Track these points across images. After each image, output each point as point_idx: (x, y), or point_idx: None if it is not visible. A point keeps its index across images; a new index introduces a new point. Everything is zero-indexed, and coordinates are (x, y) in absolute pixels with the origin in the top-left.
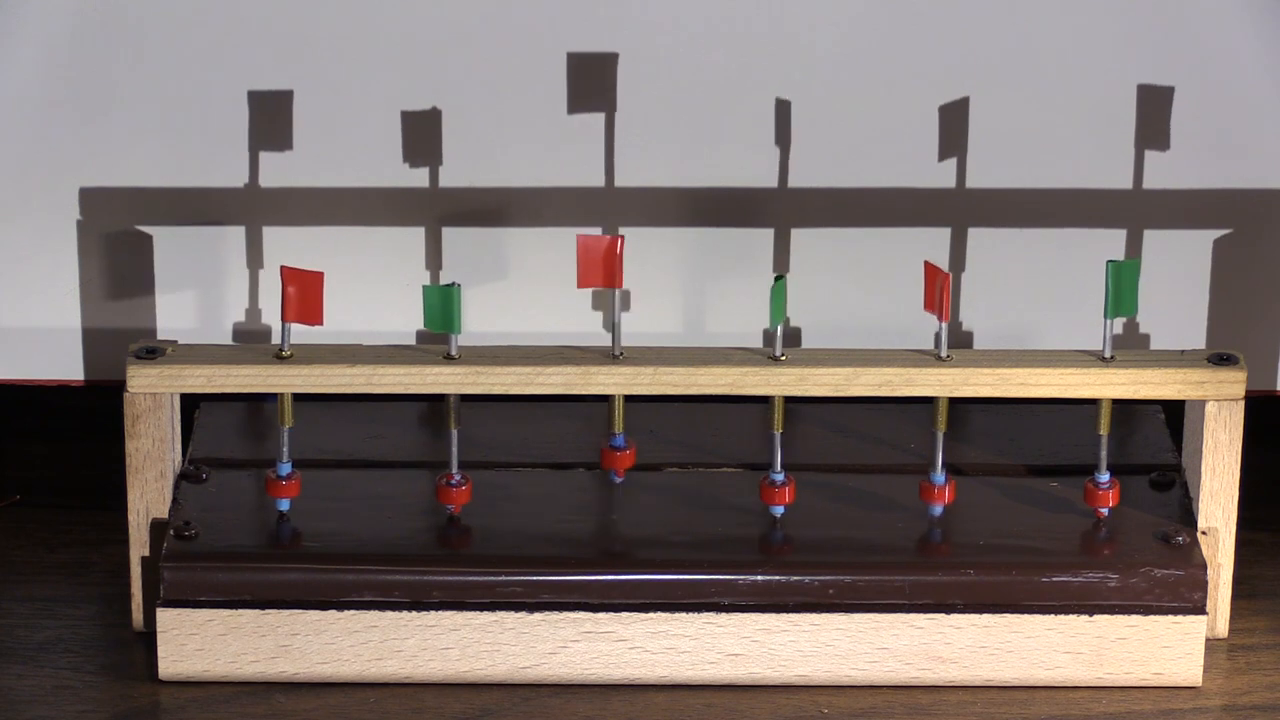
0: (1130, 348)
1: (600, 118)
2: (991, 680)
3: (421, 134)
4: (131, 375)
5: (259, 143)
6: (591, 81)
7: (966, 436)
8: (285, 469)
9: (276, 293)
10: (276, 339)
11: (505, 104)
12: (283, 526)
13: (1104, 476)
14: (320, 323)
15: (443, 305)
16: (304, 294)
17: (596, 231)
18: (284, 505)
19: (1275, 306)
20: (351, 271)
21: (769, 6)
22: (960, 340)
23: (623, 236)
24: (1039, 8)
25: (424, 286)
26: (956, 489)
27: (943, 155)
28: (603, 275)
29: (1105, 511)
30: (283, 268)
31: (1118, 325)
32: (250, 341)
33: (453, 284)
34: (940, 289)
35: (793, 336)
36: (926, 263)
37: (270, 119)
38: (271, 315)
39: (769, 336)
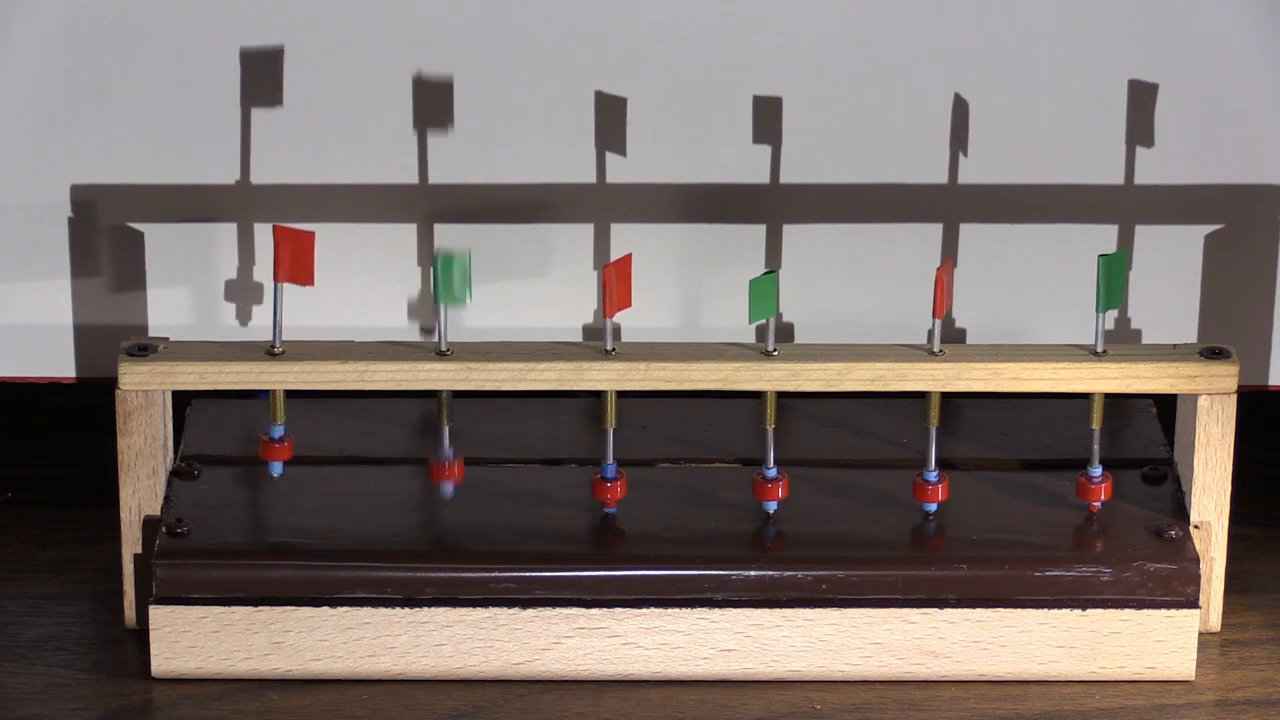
0: (1122, 342)
1: (592, 114)
2: (985, 675)
3: (413, 130)
4: (123, 372)
5: (251, 139)
6: (583, 78)
7: (959, 431)
8: (278, 431)
9: (269, 289)
10: (268, 335)
11: (497, 100)
12: (275, 523)
13: (1096, 470)
14: (311, 283)
15: (452, 274)
16: (296, 254)
17: (588, 228)
18: (277, 469)
19: (1267, 301)
20: (343, 268)
21: (761, 2)
22: (953, 335)
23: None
24: (1032, 3)
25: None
26: (949, 485)
27: (935, 151)
28: (623, 296)
29: (1098, 505)
30: (276, 227)
31: (1109, 320)
32: (242, 338)
33: (455, 255)
34: (937, 283)
35: (786, 331)
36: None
37: (262, 116)
38: (263, 312)
39: (761, 331)
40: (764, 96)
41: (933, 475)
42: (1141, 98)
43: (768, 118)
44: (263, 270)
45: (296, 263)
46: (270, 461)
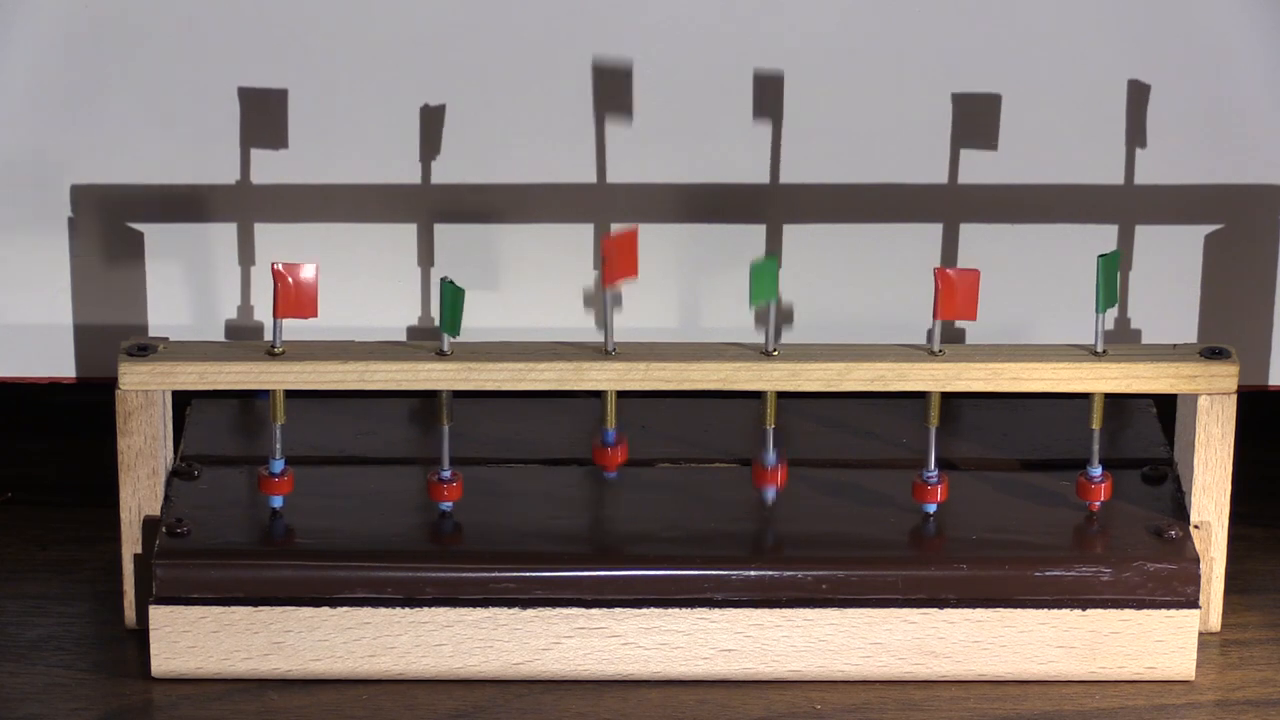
0: (1122, 342)
1: (592, 113)
2: (985, 675)
3: (414, 130)
4: (123, 372)
5: (251, 139)
6: (584, 78)
7: (959, 431)
8: (278, 466)
9: (268, 289)
10: (269, 335)
11: (497, 100)
12: (275, 523)
13: (1096, 470)
14: (315, 314)
15: (452, 306)
16: (297, 289)
17: (588, 229)
18: (277, 502)
19: (1267, 301)
20: (343, 268)
21: (761, 2)
22: (953, 335)
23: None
24: (1031, 3)
25: (442, 280)
26: (949, 485)
27: (935, 151)
28: (626, 268)
29: (1097, 505)
30: (274, 268)
31: (1109, 320)
32: (242, 338)
33: (457, 286)
34: (943, 289)
35: (786, 331)
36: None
37: (262, 115)
38: (263, 312)
39: (762, 317)
40: (764, 97)
41: (932, 476)
42: (1141, 98)
43: (768, 117)
44: (262, 270)
45: (298, 297)
46: (270, 496)
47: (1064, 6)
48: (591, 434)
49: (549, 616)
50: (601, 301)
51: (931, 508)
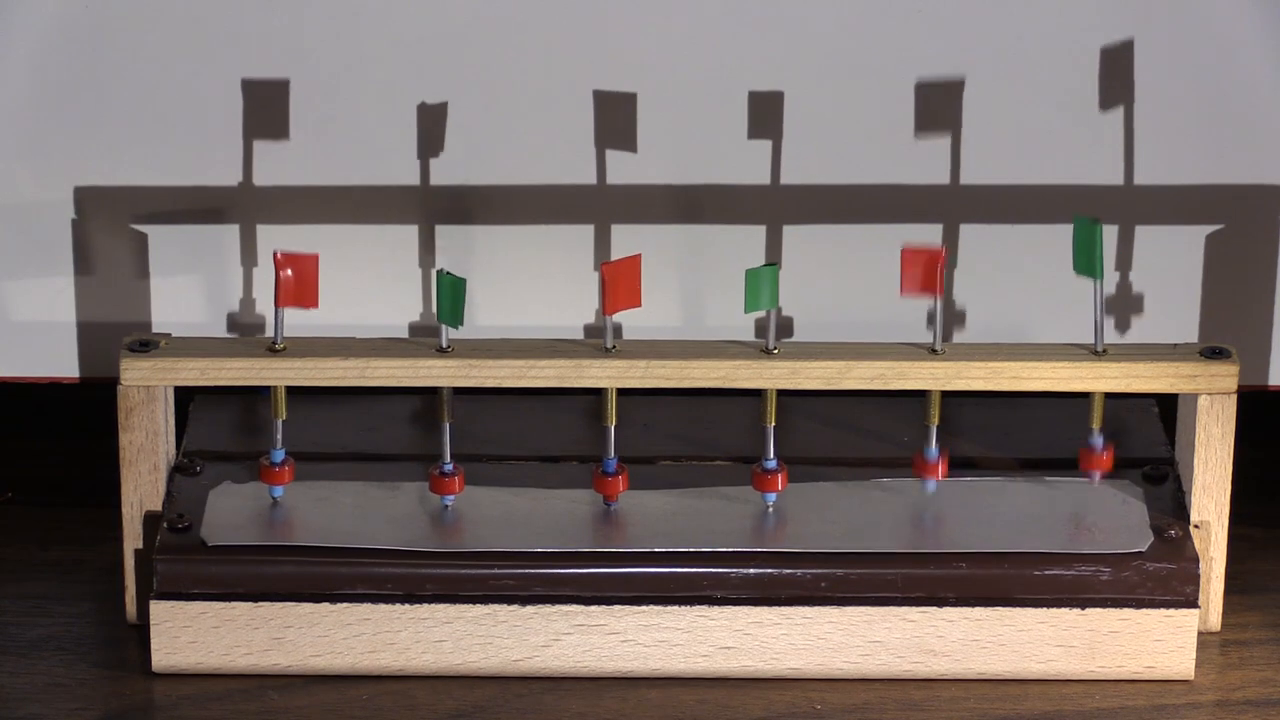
0: (1121, 340)
1: (593, 114)
2: (984, 674)
3: (414, 131)
4: (125, 368)
5: (253, 140)
6: (584, 78)
7: (959, 430)
8: (278, 456)
9: (271, 288)
10: (270, 330)
11: (497, 101)
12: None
13: (1098, 440)
14: (315, 305)
15: (452, 297)
16: (298, 278)
17: (589, 229)
18: (278, 492)
19: (1267, 301)
20: (345, 268)
21: (761, 2)
22: (952, 331)
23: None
24: (1032, 3)
25: (437, 273)
26: (949, 477)
27: (934, 150)
28: (629, 297)
29: (1100, 477)
30: (275, 256)
31: (1109, 319)
32: (244, 335)
33: (456, 277)
34: (931, 267)
35: (786, 330)
36: (905, 249)
37: (264, 117)
38: (265, 306)
39: (761, 328)
40: (763, 96)
41: (933, 452)
42: (1142, 98)
43: (767, 118)
44: (263, 271)
45: (300, 287)
46: (272, 485)
47: (1064, 6)
48: (592, 432)
49: (548, 613)
50: (604, 330)
51: (932, 485)
